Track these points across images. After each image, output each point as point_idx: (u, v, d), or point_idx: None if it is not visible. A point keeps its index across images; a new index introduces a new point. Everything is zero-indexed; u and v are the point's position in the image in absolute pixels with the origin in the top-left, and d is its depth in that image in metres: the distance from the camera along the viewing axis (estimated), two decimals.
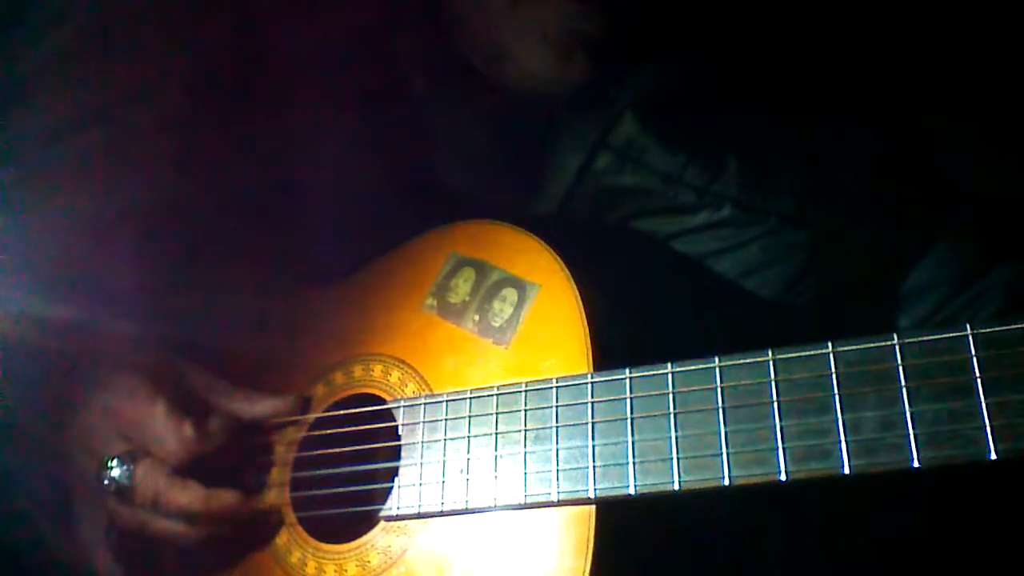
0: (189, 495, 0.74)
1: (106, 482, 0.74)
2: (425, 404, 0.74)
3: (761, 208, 0.79)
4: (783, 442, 0.60)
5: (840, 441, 0.58)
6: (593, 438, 0.66)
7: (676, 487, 0.62)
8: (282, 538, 0.79)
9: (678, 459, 0.63)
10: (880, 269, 0.74)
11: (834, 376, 0.60)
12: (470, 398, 0.72)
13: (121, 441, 0.75)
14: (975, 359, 0.56)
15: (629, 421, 0.65)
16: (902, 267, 0.76)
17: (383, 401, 0.78)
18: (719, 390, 0.63)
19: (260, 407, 0.80)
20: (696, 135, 0.81)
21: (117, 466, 0.74)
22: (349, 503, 0.76)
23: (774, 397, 0.61)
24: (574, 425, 0.67)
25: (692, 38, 0.84)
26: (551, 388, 0.68)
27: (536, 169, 0.86)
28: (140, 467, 0.74)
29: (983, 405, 0.55)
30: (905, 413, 0.57)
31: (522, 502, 0.68)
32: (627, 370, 0.66)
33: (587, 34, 0.81)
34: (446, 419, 0.73)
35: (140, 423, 0.75)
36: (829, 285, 0.61)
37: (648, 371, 0.66)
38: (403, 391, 0.77)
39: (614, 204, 0.84)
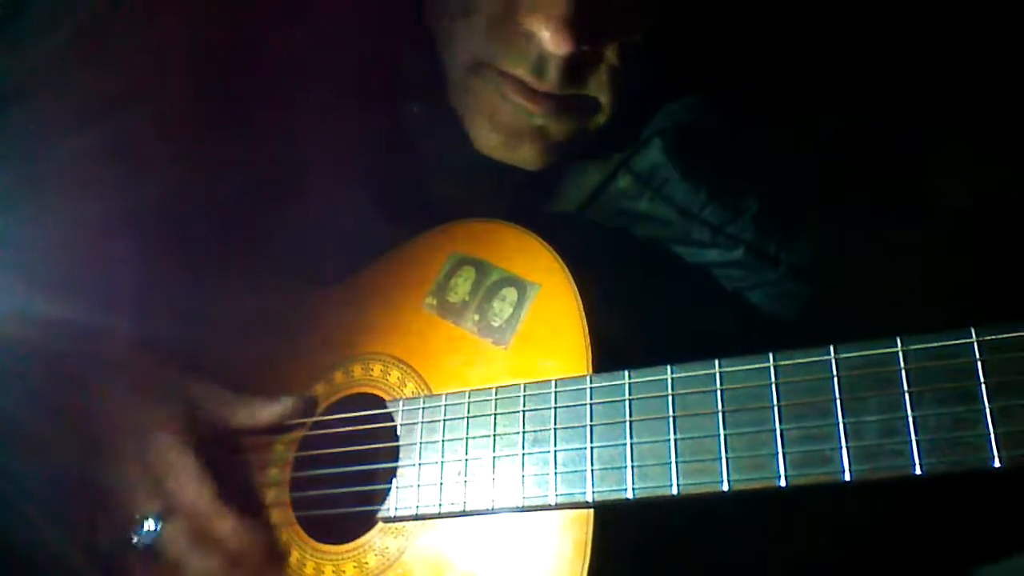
0: (207, 565, 0.75)
1: (135, 539, 0.76)
2: (424, 404, 0.73)
3: (773, 256, 0.78)
4: (783, 447, 0.59)
5: (841, 447, 0.57)
6: (591, 441, 0.65)
7: (674, 492, 0.62)
8: (281, 537, 0.78)
9: (676, 463, 0.62)
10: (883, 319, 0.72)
11: (835, 380, 0.59)
12: (468, 399, 0.71)
13: (154, 501, 0.76)
14: (979, 364, 0.55)
15: (628, 424, 0.64)
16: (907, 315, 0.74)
17: (382, 401, 0.77)
18: (719, 393, 0.62)
19: (263, 415, 0.79)
20: (721, 172, 0.79)
21: (147, 525, 0.76)
22: (348, 503, 0.76)
23: (774, 401, 0.60)
24: (572, 428, 0.66)
25: (731, 77, 0.82)
26: (550, 390, 0.68)
27: (548, 177, 0.85)
28: (167, 529, 0.76)
29: (987, 411, 0.54)
30: (907, 419, 0.56)
31: (519, 505, 0.67)
32: (626, 372, 0.66)
33: (541, 129, 0.76)
34: (444, 420, 0.72)
35: (171, 484, 0.76)
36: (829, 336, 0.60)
37: (647, 373, 0.65)
38: (402, 391, 0.76)
39: (627, 226, 0.83)
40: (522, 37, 0.71)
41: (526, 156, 0.78)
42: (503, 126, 0.77)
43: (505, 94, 0.75)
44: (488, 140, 0.78)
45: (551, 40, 0.68)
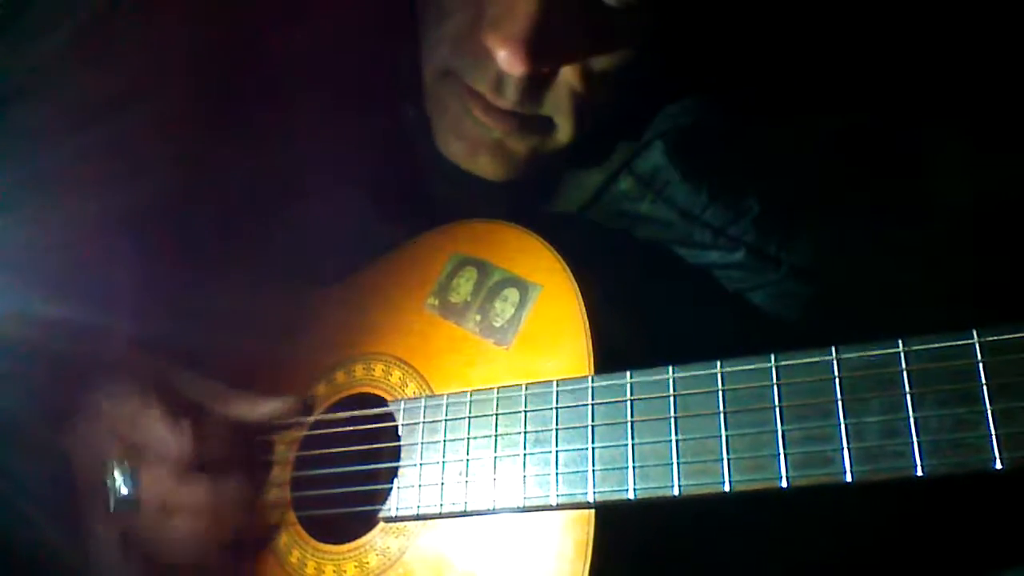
0: (197, 491, 0.74)
1: (111, 492, 0.74)
2: (425, 405, 0.74)
3: (774, 257, 0.78)
4: (784, 448, 0.59)
5: (842, 448, 0.57)
6: (593, 441, 0.65)
7: (675, 492, 0.62)
8: (282, 537, 0.78)
9: (678, 464, 0.62)
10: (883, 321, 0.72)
11: (837, 381, 0.59)
12: (470, 399, 0.71)
13: (119, 446, 0.74)
14: (981, 365, 0.55)
15: (629, 424, 0.65)
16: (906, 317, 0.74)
17: (384, 401, 0.77)
18: (720, 394, 0.62)
19: (262, 409, 0.79)
20: (723, 173, 0.79)
21: (120, 474, 0.73)
22: (349, 503, 0.76)
23: (776, 402, 0.60)
24: (574, 428, 0.66)
25: (731, 79, 0.82)
26: (551, 391, 0.68)
27: (548, 178, 0.85)
28: (143, 471, 0.74)
29: (989, 413, 0.54)
30: (909, 420, 0.56)
31: (521, 505, 0.67)
32: (628, 373, 0.66)
33: (500, 143, 0.77)
34: (446, 420, 0.72)
35: (137, 425, 0.75)
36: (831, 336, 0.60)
37: (649, 374, 0.65)
38: (404, 391, 0.76)
39: (628, 228, 0.83)
40: (484, 52, 0.71)
41: (486, 167, 0.79)
42: (464, 135, 0.78)
43: (467, 106, 0.76)
44: (450, 147, 0.79)
45: (506, 61, 0.69)
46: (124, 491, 0.73)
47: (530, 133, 0.77)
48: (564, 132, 0.77)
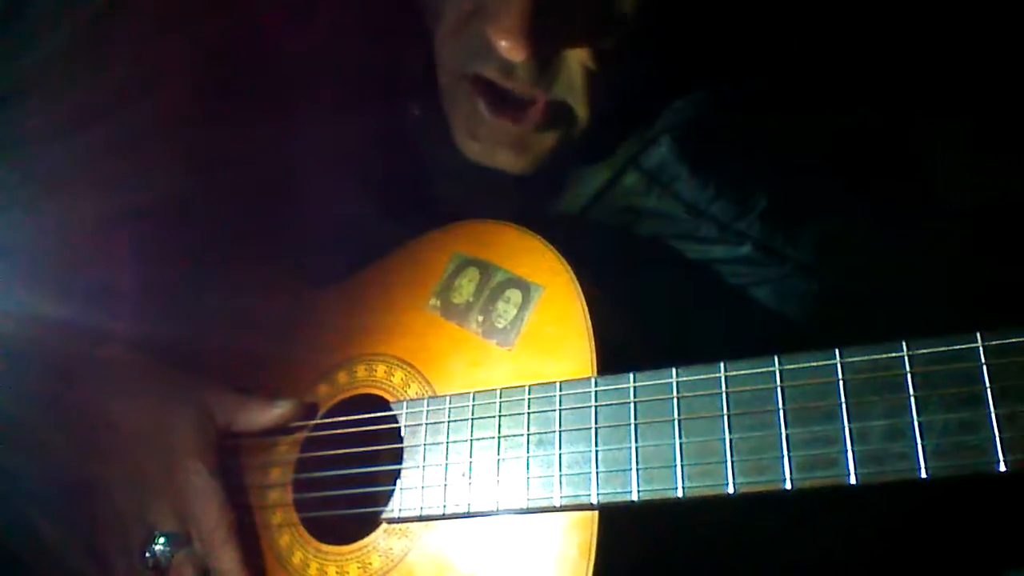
0: (233, 556, 0.76)
1: (147, 554, 0.77)
2: (428, 407, 0.73)
3: (780, 252, 0.78)
4: (788, 450, 0.59)
5: (846, 450, 0.57)
6: (596, 443, 0.65)
7: (679, 494, 0.62)
8: (284, 539, 0.78)
9: (682, 466, 0.62)
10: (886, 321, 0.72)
11: (841, 384, 0.59)
12: (473, 401, 0.71)
13: (175, 521, 0.77)
14: (985, 368, 0.55)
15: (633, 426, 0.65)
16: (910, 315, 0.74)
17: (386, 402, 0.77)
18: (724, 396, 0.62)
19: (262, 419, 0.80)
20: (730, 169, 0.79)
21: (163, 545, 0.77)
22: (351, 504, 0.76)
23: (780, 405, 0.60)
24: (577, 430, 0.66)
25: (737, 74, 0.82)
26: (554, 393, 0.68)
27: (553, 175, 0.85)
28: (181, 554, 0.77)
29: (993, 416, 0.54)
30: (913, 423, 0.56)
31: (524, 507, 0.67)
32: (631, 375, 0.66)
33: (521, 141, 0.78)
34: (448, 421, 0.72)
35: (196, 510, 0.77)
36: (833, 333, 0.60)
37: (652, 376, 0.65)
38: (406, 392, 0.76)
39: (633, 223, 0.83)
40: (488, 40, 0.72)
41: (508, 162, 0.80)
42: (479, 137, 0.79)
43: (477, 107, 0.77)
44: (469, 147, 0.80)
45: (507, 50, 0.70)
46: (161, 557, 0.77)
47: (552, 126, 0.77)
48: (582, 115, 0.77)
